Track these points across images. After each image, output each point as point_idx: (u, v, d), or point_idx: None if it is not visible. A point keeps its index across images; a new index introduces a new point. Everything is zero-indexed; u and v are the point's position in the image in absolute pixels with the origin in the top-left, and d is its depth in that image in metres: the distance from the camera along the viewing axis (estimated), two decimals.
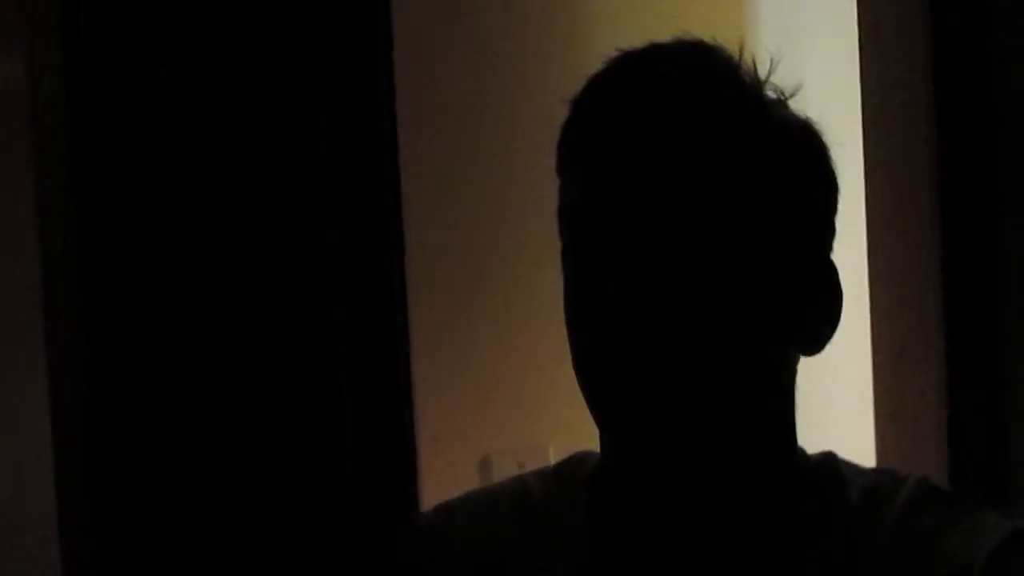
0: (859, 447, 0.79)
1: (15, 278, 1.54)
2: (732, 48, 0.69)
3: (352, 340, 1.22)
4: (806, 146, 0.69)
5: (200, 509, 1.20)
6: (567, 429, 1.31)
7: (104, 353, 1.12)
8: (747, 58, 0.69)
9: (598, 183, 0.67)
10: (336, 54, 1.15)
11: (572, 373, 1.30)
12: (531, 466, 1.28)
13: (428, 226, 1.23)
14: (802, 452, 0.70)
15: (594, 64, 0.66)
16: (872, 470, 0.70)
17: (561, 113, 0.70)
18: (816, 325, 0.69)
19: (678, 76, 0.67)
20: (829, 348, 0.69)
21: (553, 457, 1.32)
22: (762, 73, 0.69)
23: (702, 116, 0.65)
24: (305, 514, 1.22)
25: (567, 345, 1.30)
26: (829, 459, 0.70)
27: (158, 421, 1.15)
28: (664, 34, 1.28)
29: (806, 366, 0.70)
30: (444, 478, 1.25)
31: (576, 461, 0.77)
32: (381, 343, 1.22)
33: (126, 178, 1.12)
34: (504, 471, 1.26)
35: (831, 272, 0.71)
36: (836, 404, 1.21)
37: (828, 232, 0.72)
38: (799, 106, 0.71)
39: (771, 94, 0.69)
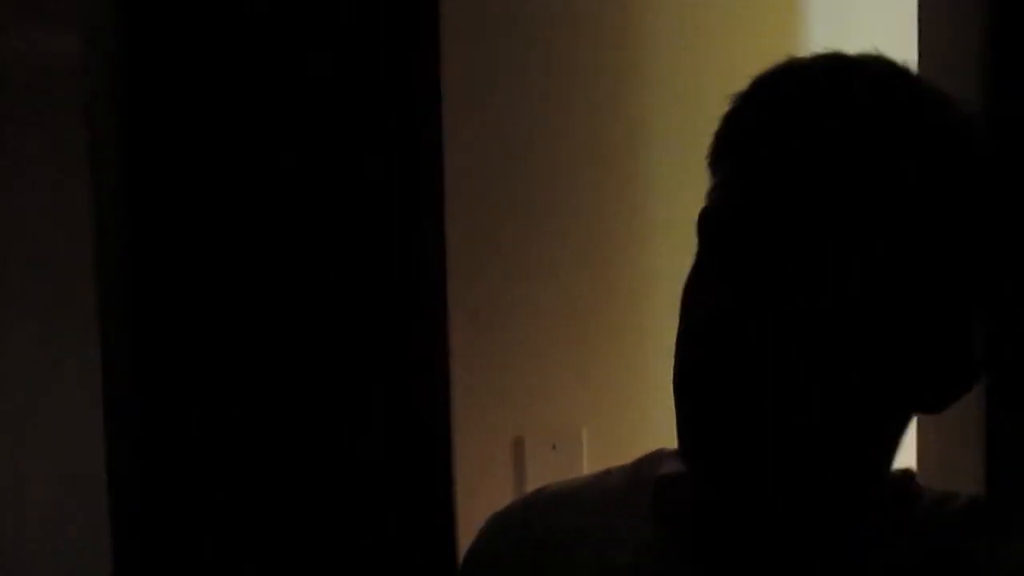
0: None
1: (68, 271, 1.55)
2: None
3: (392, 325, 1.23)
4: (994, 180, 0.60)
5: (244, 482, 1.22)
6: (600, 412, 1.32)
7: (152, 345, 1.13)
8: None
9: (760, 190, 0.60)
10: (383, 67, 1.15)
11: (606, 356, 1.32)
12: (563, 449, 1.30)
13: (469, 208, 1.24)
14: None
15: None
16: (941, 492, 0.66)
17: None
18: (943, 389, 0.62)
19: (862, 86, 0.59)
20: None
21: (586, 440, 1.33)
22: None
23: (888, 131, 0.58)
24: (342, 495, 1.24)
25: (603, 330, 1.31)
26: (908, 477, 0.66)
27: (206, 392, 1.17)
28: (715, 34, 1.26)
29: None
30: (477, 460, 1.26)
31: (656, 457, 0.75)
32: (420, 327, 1.23)
33: (180, 168, 1.13)
34: (537, 454, 1.27)
35: (970, 333, 0.62)
36: None
37: (984, 284, 0.62)
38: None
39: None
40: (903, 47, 0.78)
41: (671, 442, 1.33)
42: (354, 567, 1.22)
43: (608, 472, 0.77)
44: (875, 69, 0.61)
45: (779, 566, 0.64)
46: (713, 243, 0.64)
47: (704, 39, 1.32)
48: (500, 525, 0.79)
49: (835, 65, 0.61)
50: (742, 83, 0.63)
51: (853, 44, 0.63)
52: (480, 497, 1.25)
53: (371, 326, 1.20)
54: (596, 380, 1.31)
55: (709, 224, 0.64)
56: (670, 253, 1.32)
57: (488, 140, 1.25)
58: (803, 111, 0.60)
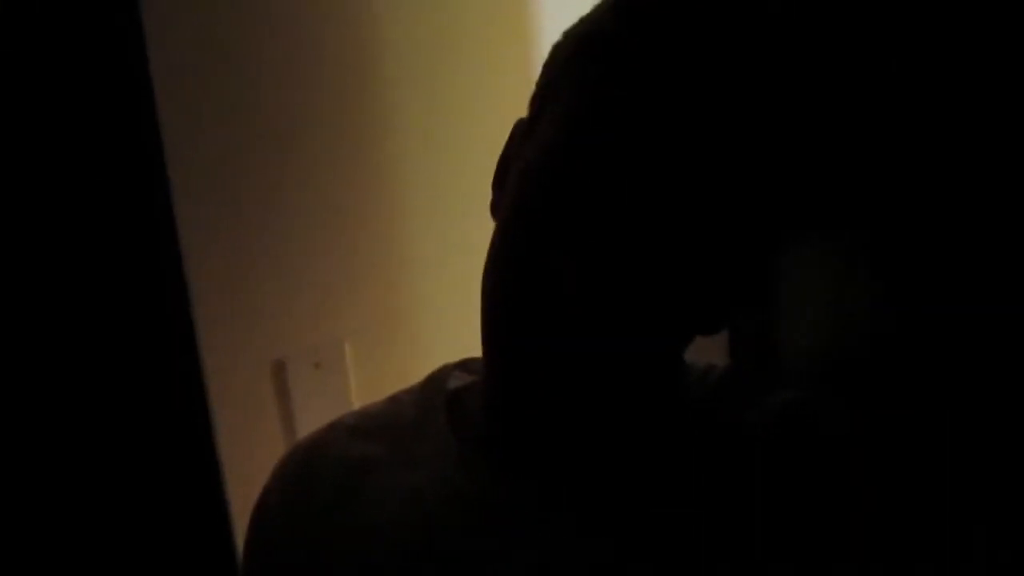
0: None
1: None
2: None
3: (120, 260, 1.12)
4: None
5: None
6: (362, 326, 1.28)
7: None
8: None
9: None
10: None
11: (363, 268, 1.27)
12: (327, 366, 1.25)
13: (193, 123, 1.14)
14: None
15: None
16: (704, 365, 0.70)
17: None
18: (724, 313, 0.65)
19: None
20: None
21: (349, 354, 1.29)
22: None
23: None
24: (96, 448, 1.15)
25: (356, 240, 1.27)
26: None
27: None
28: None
29: None
30: (237, 387, 1.19)
31: (442, 374, 0.75)
32: (149, 260, 1.13)
33: None
34: (300, 374, 1.22)
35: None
36: None
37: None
38: None
39: None
40: None
41: (433, 352, 1.34)
42: (122, 517, 1.15)
43: (396, 397, 0.77)
44: None
45: (567, 460, 0.65)
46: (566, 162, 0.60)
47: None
48: (292, 462, 0.78)
49: None
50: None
51: None
52: (245, 426, 1.19)
53: (103, 267, 1.10)
54: (355, 294, 1.27)
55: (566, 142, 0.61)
56: (427, 168, 1.29)
57: (206, 39, 1.15)
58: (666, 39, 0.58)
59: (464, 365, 0.76)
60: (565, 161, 0.59)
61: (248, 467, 1.18)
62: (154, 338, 1.13)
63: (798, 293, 0.74)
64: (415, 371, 1.27)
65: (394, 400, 0.77)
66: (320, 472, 0.74)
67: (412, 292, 1.30)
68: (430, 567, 0.66)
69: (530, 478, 0.66)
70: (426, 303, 1.31)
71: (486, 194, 0.67)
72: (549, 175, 0.60)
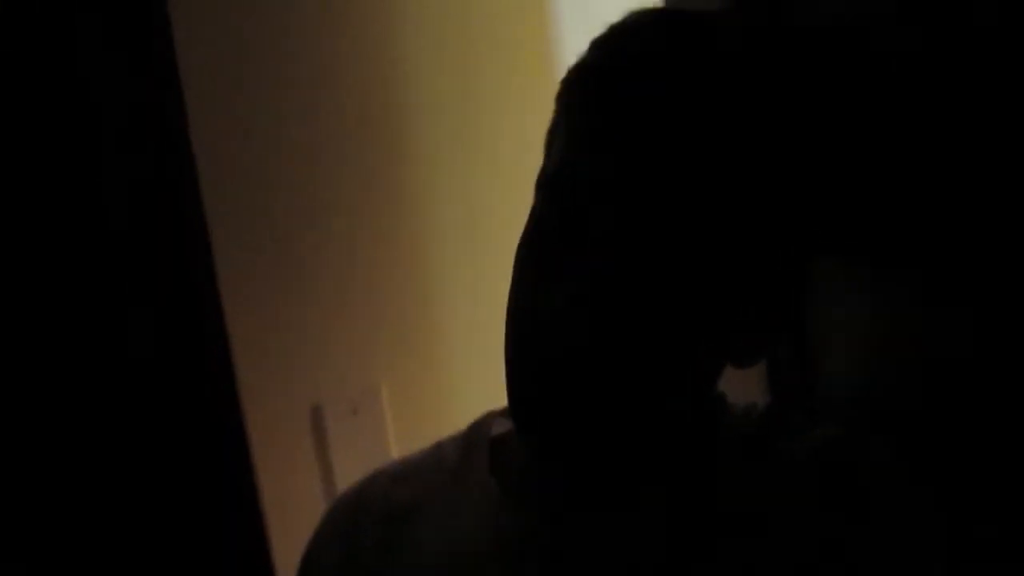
0: None
1: None
2: None
3: (163, 312, 1.14)
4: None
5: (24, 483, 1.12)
6: (398, 368, 1.29)
7: None
8: None
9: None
10: None
11: (397, 313, 1.28)
12: (364, 410, 1.25)
13: (235, 176, 1.16)
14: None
15: None
16: (745, 404, 0.71)
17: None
18: (757, 344, 0.66)
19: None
20: None
21: (386, 399, 1.30)
22: None
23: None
24: (134, 492, 1.15)
25: (389, 285, 1.28)
26: (721, 398, 0.69)
27: None
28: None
29: None
30: (275, 432, 1.20)
31: (485, 421, 0.75)
32: (191, 309, 1.14)
33: None
34: (337, 419, 1.22)
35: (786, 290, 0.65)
36: None
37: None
38: None
39: None
40: None
41: (470, 392, 1.34)
42: (164, 565, 1.15)
43: (440, 444, 0.78)
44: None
45: (614, 508, 0.66)
46: (559, 204, 0.62)
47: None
48: (336, 512, 0.79)
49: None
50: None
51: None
52: (283, 472, 1.19)
53: (142, 314, 1.11)
54: (389, 337, 1.27)
55: (547, 187, 0.63)
56: (455, 204, 1.30)
57: (240, 87, 1.17)
58: (650, 72, 0.60)
59: (507, 412, 0.76)
60: (566, 190, 0.61)
61: (288, 510, 1.18)
62: (196, 385, 1.14)
63: (839, 328, 0.74)
64: (451, 414, 1.28)
65: (438, 447, 0.77)
66: (364, 522, 0.75)
67: (446, 336, 1.31)
68: None
69: (573, 522, 0.66)
70: (461, 346, 1.31)
71: (519, 236, 0.67)
72: (555, 206, 0.62)
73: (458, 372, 1.31)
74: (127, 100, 1.08)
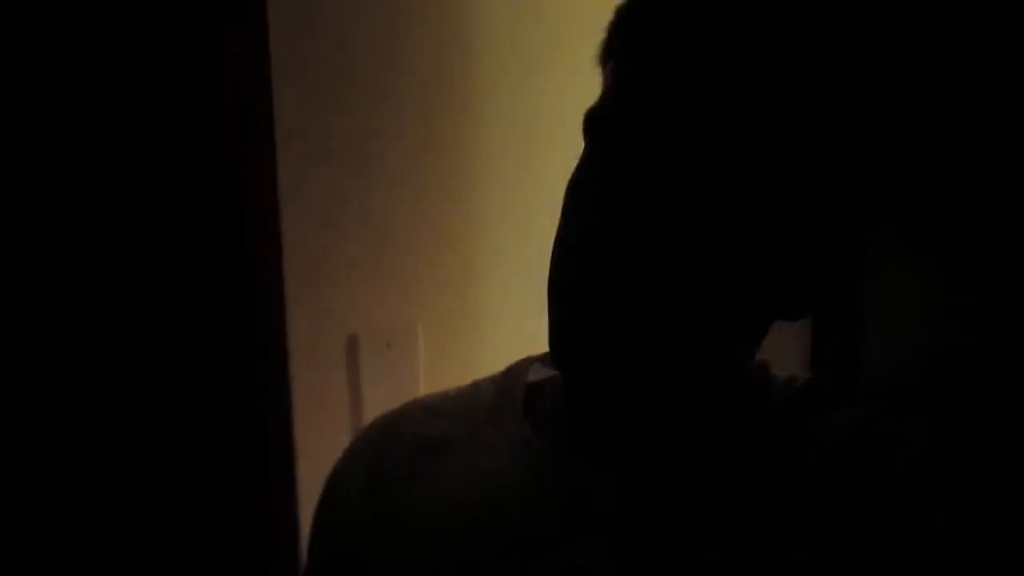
0: None
1: None
2: None
3: (222, 229, 1.16)
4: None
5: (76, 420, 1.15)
6: (434, 307, 1.30)
7: None
8: None
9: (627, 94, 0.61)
10: None
11: (438, 252, 1.29)
12: (398, 347, 1.28)
13: (301, 103, 1.17)
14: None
15: None
16: (787, 375, 0.71)
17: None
18: (804, 298, 0.65)
19: None
20: None
21: (421, 335, 1.32)
22: None
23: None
24: (178, 405, 1.18)
25: (434, 226, 1.29)
26: (764, 366, 0.70)
27: None
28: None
29: None
30: (311, 360, 1.22)
31: (523, 365, 0.76)
32: (251, 229, 1.17)
33: None
34: (371, 351, 1.25)
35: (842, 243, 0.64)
36: None
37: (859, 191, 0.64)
38: None
39: None
40: None
41: (503, 336, 1.35)
42: (195, 478, 1.19)
43: (477, 383, 0.78)
44: None
45: (647, 457, 0.66)
46: (598, 143, 0.63)
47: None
48: (367, 437, 0.79)
49: None
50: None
51: None
52: (316, 397, 1.22)
53: (200, 235, 1.14)
54: (429, 277, 1.29)
55: (594, 125, 0.63)
56: (503, 146, 1.30)
57: (319, 29, 1.18)
58: (692, 17, 0.59)
59: (544, 359, 0.76)
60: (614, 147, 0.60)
61: (315, 431, 1.22)
62: (246, 304, 1.17)
63: (888, 301, 0.72)
64: (484, 357, 1.30)
65: (474, 386, 0.78)
66: (394, 449, 0.75)
67: (486, 280, 1.32)
68: (498, 547, 0.67)
69: (604, 471, 0.66)
70: (499, 291, 1.33)
71: (561, 184, 0.68)
72: (590, 152, 0.62)
73: (493, 316, 1.33)
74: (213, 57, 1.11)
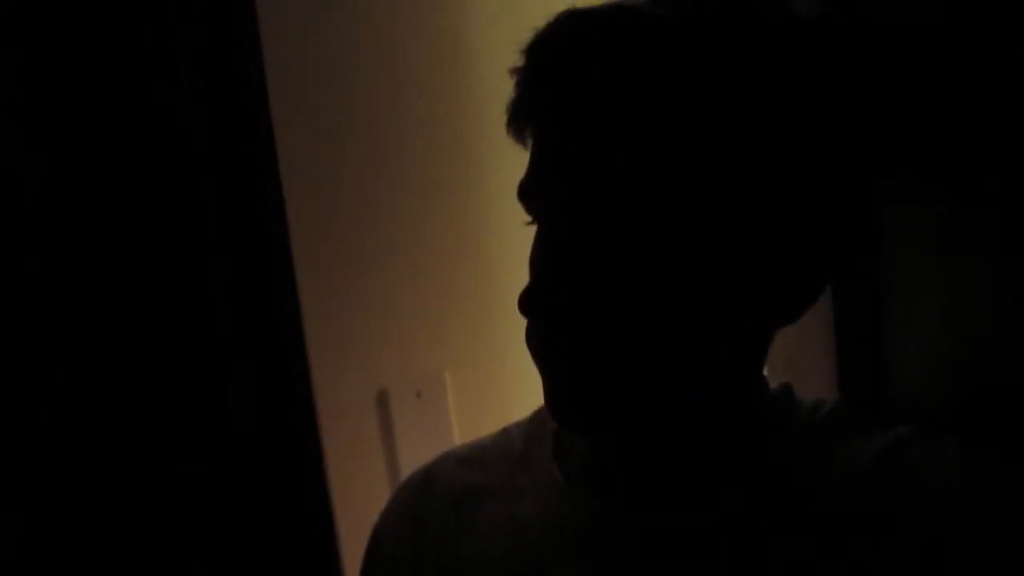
0: None
1: None
2: None
3: (241, 293, 1.17)
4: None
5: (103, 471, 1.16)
6: (462, 355, 1.31)
7: None
8: None
9: (534, 154, 0.63)
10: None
11: (461, 299, 1.30)
12: (428, 395, 1.28)
13: (307, 160, 1.19)
14: (764, 384, 0.69)
15: None
16: (813, 400, 0.70)
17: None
18: (797, 298, 0.63)
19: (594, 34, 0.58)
20: None
21: (450, 384, 1.32)
22: None
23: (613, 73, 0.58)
24: (208, 468, 1.19)
25: (456, 272, 1.30)
26: (787, 389, 0.69)
27: None
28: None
29: None
30: (342, 415, 1.23)
31: None
32: (269, 294, 1.18)
33: None
34: (402, 403, 1.25)
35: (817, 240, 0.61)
36: None
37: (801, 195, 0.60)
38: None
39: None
40: None
41: (531, 379, 1.34)
42: (230, 538, 1.19)
43: (507, 430, 0.78)
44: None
45: (675, 496, 0.66)
46: (532, 211, 0.65)
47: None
48: (404, 493, 0.80)
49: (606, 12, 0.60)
50: None
51: None
52: (350, 454, 1.23)
53: (219, 295, 1.15)
54: (453, 323, 1.30)
55: (522, 195, 0.65)
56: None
57: (319, 77, 1.20)
58: (572, 63, 0.59)
59: None
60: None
61: (354, 490, 1.22)
62: (271, 366, 1.17)
63: (911, 318, 0.71)
64: (514, 400, 1.30)
65: (504, 432, 0.78)
66: (433, 502, 0.76)
67: (510, 322, 1.32)
68: None
69: (634, 511, 0.66)
70: (522, 334, 1.33)
71: None
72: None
73: (520, 359, 1.32)
74: (209, 78, 1.11)
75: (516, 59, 0.63)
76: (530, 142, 0.65)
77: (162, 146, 1.11)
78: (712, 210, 0.58)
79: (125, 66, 1.08)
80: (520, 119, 0.64)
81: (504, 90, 0.63)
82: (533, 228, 0.67)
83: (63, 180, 1.08)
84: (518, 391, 1.31)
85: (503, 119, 0.65)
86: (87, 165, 1.09)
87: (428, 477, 0.79)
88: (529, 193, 0.64)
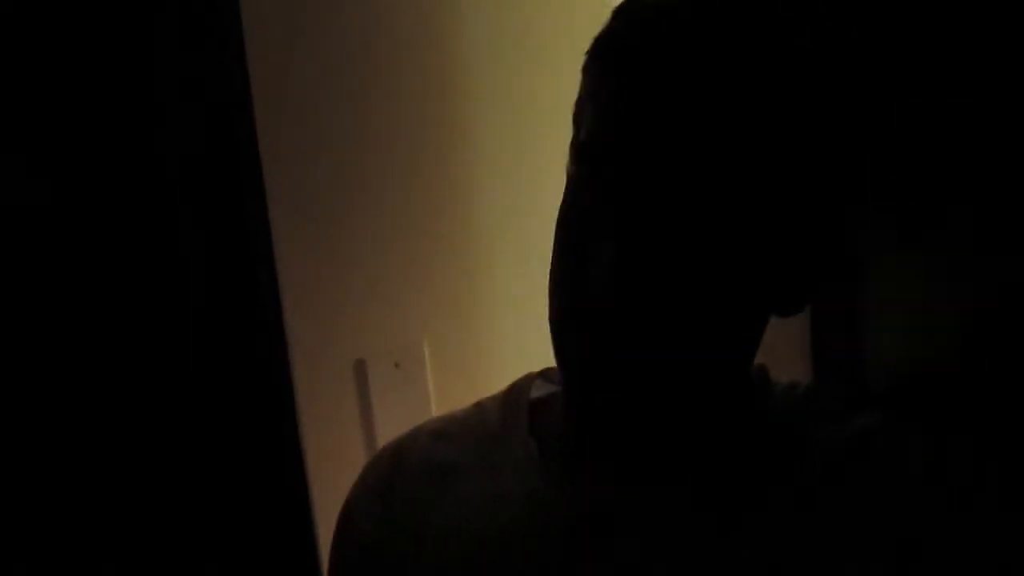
0: None
1: None
2: None
3: (218, 262, 1.16)
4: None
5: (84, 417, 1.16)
6: (440, 325, 1.30)
7: None
8: None
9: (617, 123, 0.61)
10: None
11: (440, 269, 1.30)
12: (406, 366, 1.28)
13: (290, 125, 1.17)
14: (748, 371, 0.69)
15: None
16: (788, 382, 0.71)
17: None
18: (799, 292, 0.65)
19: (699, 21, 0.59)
20: None
21: (428, 355, 1.32)
22: None
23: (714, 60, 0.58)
24: (184, 437, 1.19)
25: (434, 241, 1.29)
26: (763, 372, 0.70)
27: None
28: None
29: None
30: (320, 385, 1.23)
31: (525, 382, 0.76)
32: (246, 261, 1.17)
33: None
34: (380, 373, 1.25)
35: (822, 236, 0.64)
36: None
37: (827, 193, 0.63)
38: None
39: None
40: None
41: (510, 349, 1.35)
42: (206, 506, 1.19)
43: (481, 404, 0.78)
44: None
45: (650, 469, 0.66)
46: (595, 172, 0.63)
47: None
48: (376, 467, 0.80)
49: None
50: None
51: None
52: (326, 424, 1.22)
53: (197, 265, 1.14)
54: (432, 294, 1.29)
55: (591, 153, 0.63)
56: (504, 164, 1.30)
57: (300, 49, 1.18)
58: (676, 37, 0.59)
59: (546, 374, 0.77)
60: (596, 163, 0.61)
61: (329, 459, 1.22)
62: (247, 336, 1.17)
63: (883, 305, 0.73)
64: (492, 371, 1.30)
65: (479, 406, 0.78)
66: (405, 475, 0.76)
67: (489, 293, 1.32)
68: (509, 571, 0.67)
69: (609, 486, 0.67)
70: (503, 304, 1.33)
71: (562, 192, 0.68)
72: (585, 180, 0.62)
73: (499, 330, 1.33)
74: (191, 65, 1.11)
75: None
76: (589, 105, 0.64)
77: (137, 113, 1.10)
78: (757, 187, 0.59)
79: (108, 61, 1.08)
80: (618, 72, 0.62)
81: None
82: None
83: (47, 174, 1.08)
84: (497, 362, 1.31)
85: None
86: (68, 152, 1.08)
87: (400, 451, 0.78)
88: (594, 155, 0.62)
